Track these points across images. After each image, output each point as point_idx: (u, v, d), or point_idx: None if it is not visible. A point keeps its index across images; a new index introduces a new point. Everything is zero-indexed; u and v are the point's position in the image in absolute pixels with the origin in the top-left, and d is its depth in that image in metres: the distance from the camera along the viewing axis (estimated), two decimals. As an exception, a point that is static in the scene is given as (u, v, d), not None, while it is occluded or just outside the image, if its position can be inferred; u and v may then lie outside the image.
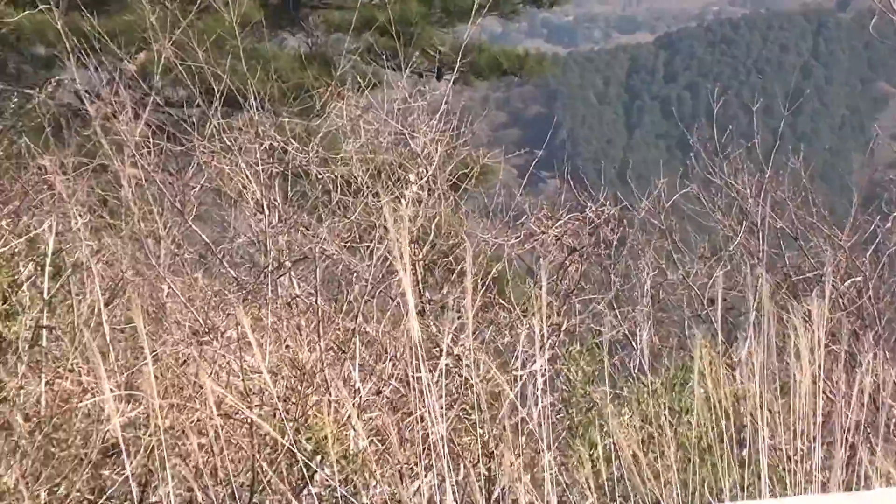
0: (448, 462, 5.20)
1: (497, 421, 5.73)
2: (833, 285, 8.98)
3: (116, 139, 7.87)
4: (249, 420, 5.46)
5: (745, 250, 10.46)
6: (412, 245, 6.70)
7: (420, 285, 7.05)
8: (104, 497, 5.43)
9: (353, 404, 5.75)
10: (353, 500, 5.39)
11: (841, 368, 5.94)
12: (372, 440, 5.69)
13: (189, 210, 7.35)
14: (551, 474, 5.28)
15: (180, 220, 7.16)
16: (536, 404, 5.54)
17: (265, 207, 7.03)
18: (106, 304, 6.21)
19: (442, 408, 5.24)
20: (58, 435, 5.56)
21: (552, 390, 6.74)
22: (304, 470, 5.37)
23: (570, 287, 8.81)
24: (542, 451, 5.31)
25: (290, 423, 5.40)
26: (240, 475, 5.48)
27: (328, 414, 5.50)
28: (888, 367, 6.41)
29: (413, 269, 5.51)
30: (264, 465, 5.44)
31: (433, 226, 7.77)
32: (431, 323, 6.32)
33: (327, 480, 5.45)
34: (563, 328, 7.56)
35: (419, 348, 5.14)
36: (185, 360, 6.13)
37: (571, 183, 10.38)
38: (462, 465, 5.62)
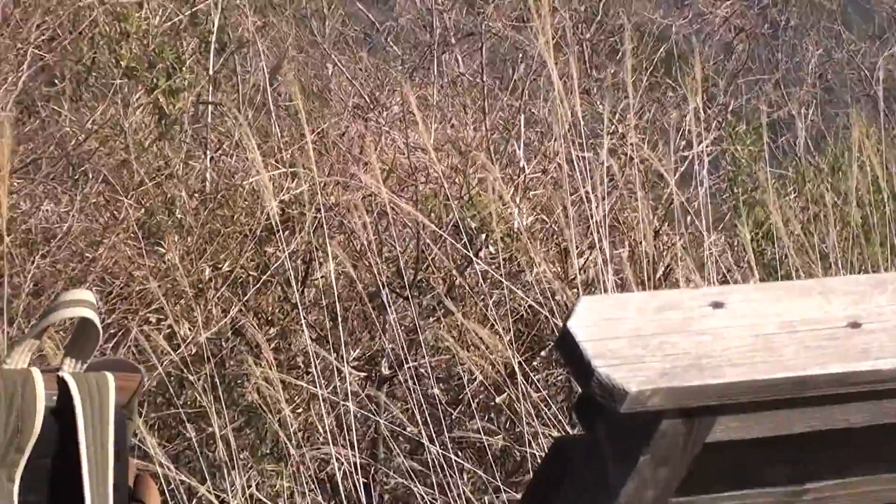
0: (611, 241, 5.23)
1: (661, 200, 5.76)
2: None
3: None
4: (414, 197, 5.49)
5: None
6: (579, 24, 6.54)
7: (586, 64, 6.98)
8: (267, 273, 5.48)
9: (518, 183, 5.67)
10: (517, 277, 5.36)
11: None
12: (536, 218, 5.67)
13: None
14: (714, 254, 5.28)
15: None
16: (701, 184, 5.46)
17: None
18: (270, 82, 6.24)
19: (605, 187, 5.22)
20: (222, 212, 5.69)
21: (716, 170, 6.87)
22: (469, 248, 5.34)
23: (737, 67, 8.78)
24: (705, 231, 5.28)
25: (455, 201, 5.40)
26: (404, 253, 5.45)
27: (492, 192, 5.41)
28: None
29: (579, 48, 5.39)
30: (429, 242, 5.46)
31: (601, 6, 7.66)
32: (597, 102, 6.15)
33: (491, 258, 5.44)
34: (728, 108, 7.53)
35: (583, 127, 5.10)
36: (347, 136, 6.15)
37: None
38: (626, 244, 5.58)
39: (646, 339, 2.08)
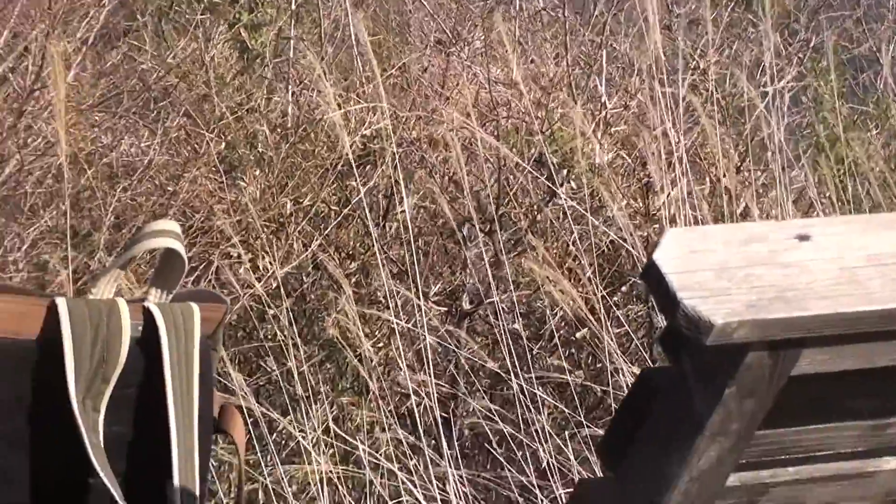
0: (693, 176, 5.20)
1: (742, 136, 5.70)
2: None
3: None
4: (496, 132, 5.44)
5: None
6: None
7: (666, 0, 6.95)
8: (348, 208, 5.49)
9: (599, 118, 5.66)
10: (598, 212, 5.36)
11: None
12: (617, 154, 5.67)
13: None
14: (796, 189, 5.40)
15: None
16: (782, 119, 5.44)
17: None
18: (351, 16, 6.20)
19: (686, 122, 5.26)
20: (303, 146, 5.65)
21: (797, 106, 6.82)
22: (550, 182, 5.31)
23: (818, 3, 8.61)
24: (786, 166, 5.29)
25: (536, 136, 5.37)
26: (486, 188, 5.45)
27: (574, 128, 5.37)
28: None
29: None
30: (510, 177, 5.45)
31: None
32: (679, 38, 6.10)
33: (573, 193, 5.42)
34: (810, 44, 7.43)
35: (665, 63, 5.11)
36: (429, 71, 6.17)
37: None
38: (707, 180, 5.55)
39: (731, 271, 2.04)
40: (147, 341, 2.47)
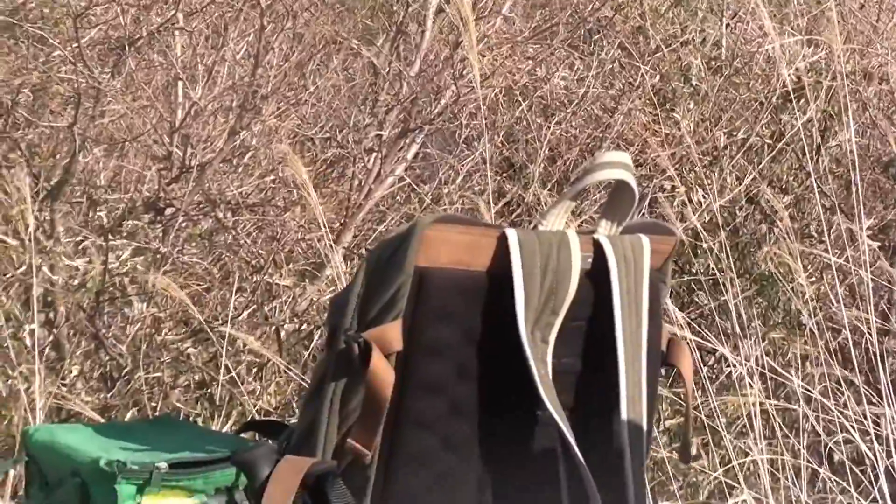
0: None
1: None
2: None
3: None
4: None
5: None
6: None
7: None
8: (782, 142, 5.37)
9: None
10: None
11: None
12: None
13: None
14: None
15: None
16: None
17: None
18: None
19: None
20: (737, 79, 5.59)
21: None
22: None
23: None
24: None
25: None
26: None
27: None
28: None
29: None
30: None
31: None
32: None
33: None
34: None
35: None
36: (865, 6, 5.92)
37: None
38: None
39: None
40: (597, 273, 2.36)
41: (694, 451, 3.54)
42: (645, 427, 2.41)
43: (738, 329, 4.70)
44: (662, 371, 2.60)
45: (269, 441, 2.43)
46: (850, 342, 4.59)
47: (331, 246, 4.66)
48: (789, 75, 5.17)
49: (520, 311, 2.25)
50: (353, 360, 2.19)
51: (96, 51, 4.80)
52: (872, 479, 4.40)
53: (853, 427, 4.43)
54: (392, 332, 2.20)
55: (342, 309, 2.24)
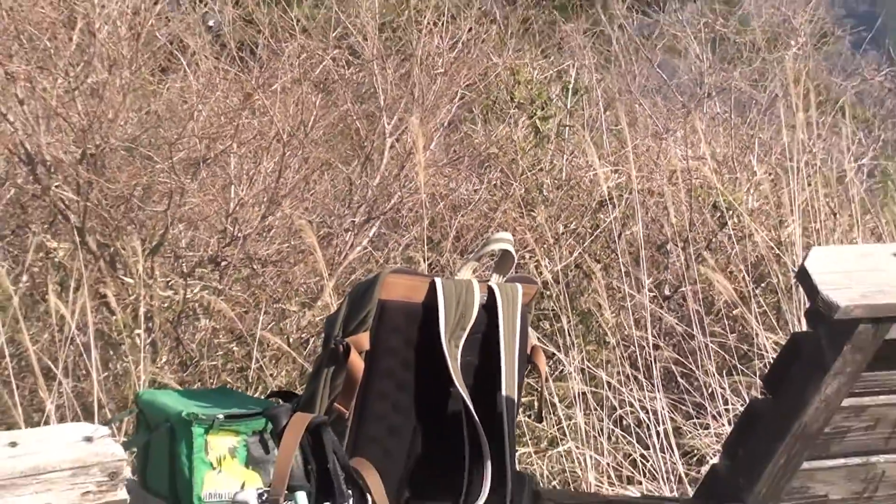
0: (803, 217, 5.06)
1: (835, 194, 5.53)
2: None
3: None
4: (689, 187, 5.66)
5: None
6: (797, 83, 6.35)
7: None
8: (598, 230, 5.65)
9: (752, 181, 5.73)
10: (749, 238, 5.35)
11: None
12: (762, 203, 5.57)
13: (654, 59, 7.70)
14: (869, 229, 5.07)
15: (648, 65, 7.45)
16: (862, 185, 5.61)
17: (700, 57, 7.25)
18: (603, 112, 6.40)
19: (800, 184, 5.06)
20: (572, 192, 5.93)
21: (872, 177, 6.76)
22: (721, 219, 5.50)
23: (887, 113, 8.66)
24: (863, 214, 5.21)
25: (714, 189, 5.60)
26: (683, 219, 5.65)
27: (735, 186, 5.52)
28: None
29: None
30: (696, 215, 5.62)
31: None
32: (801, 133, 5.96)
33: (734, 225, 5.50)
34: (880, 139, 7.42)
35: (788, 149, 5.02)
36: (650, 149, 6.28)
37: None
38: (817, 221, 5.51)
39: (851, 273, 2.33)
40: (490, 306, 2.53)
41: (541, 416, 3.53)
42: (516, 399, 2.56)
43: (568, 343, 4.97)
44: (528, 367, 2.74)
45: (286, 403, 2.48)
46: (637, 352, 4.96)
47: (323, 287, 5.02)
48: (605, 189, 5.53)
49: (441, 328, 2.43)
50: (339, 356, 2.37)
51: (182, 164, 5.03)
52: (647, 436, 4.71)
53: (636, 402, 4.78)
54: (363, 339, 2.38)
55: (333, 323, 2.42)
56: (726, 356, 5.04)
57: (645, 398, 4.77)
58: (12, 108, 4.94)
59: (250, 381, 4.91)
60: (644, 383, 4.90)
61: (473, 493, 2.53)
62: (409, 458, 2.52)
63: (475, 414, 2.45)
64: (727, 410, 4.96)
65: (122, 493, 2.29)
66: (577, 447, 4.72)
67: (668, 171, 5.76)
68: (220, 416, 2.47)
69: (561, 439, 4.80)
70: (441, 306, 2.41)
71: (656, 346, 5.08)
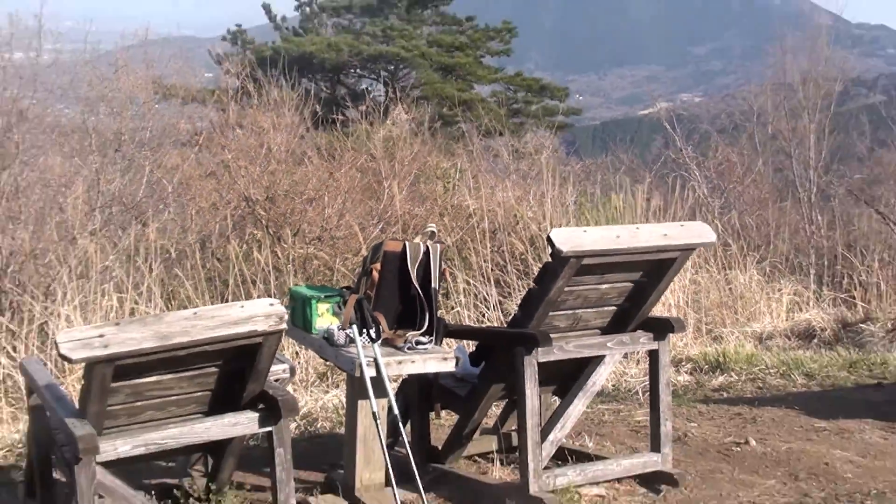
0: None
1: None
2: None
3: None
4: (505, 207, 8.53)
5: None
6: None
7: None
8: (468, 226, 8.11)
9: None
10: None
11: None
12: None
13: (491, 157, 11.58)
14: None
15: (490, 158, 11.72)
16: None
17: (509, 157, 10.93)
18: (471, 178, 10.09)
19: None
20: (458, 211, 9.21)
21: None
22: (516, 221, 9.07)
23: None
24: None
25: (516, 209, 9.49)
26: (505, 220, 8.57)
27: (528, 208, 9.87)
28: None
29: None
30: (510, 219, 8.44)
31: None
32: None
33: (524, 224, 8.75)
34: None
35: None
36: (492, 191, 9.78)
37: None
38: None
39: (561, 236, 3.72)
40: (427, 252, 3.98)
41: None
42: (437, 289, 3.99)
43: (455, 272, 7.27)
44: (442, 277, 4.19)
45: (348, 290, 4.15)
46: (478, 271, 7.77)
47: (360, 248, 7.89)
48: (472, 210, 8.37)
49: (409, 262, 4.05)
50: (368, 272, 4.12)
51: (304, 200, 8.80)
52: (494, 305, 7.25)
53: (490, 297, 7.48)
54: (377, 266, 4.08)
55: (365, 260, 4.21)
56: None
57: (491, 291, 7.60)
58: (241, 178, 9.27)
59: (334, 283, 7.65)
60: (483, 282, 7.69)
61: (420, 325, 4.17)
62: (395, 312, 4.24)
63: (422, 295, 4.12)
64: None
65: (284, 325, 3.76)
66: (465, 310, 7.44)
67: (499, 202, 8.68)
68: (322, 296, 4.21)
69: (454, 307, 7.62)
70: (408, 254, 4.09)
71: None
